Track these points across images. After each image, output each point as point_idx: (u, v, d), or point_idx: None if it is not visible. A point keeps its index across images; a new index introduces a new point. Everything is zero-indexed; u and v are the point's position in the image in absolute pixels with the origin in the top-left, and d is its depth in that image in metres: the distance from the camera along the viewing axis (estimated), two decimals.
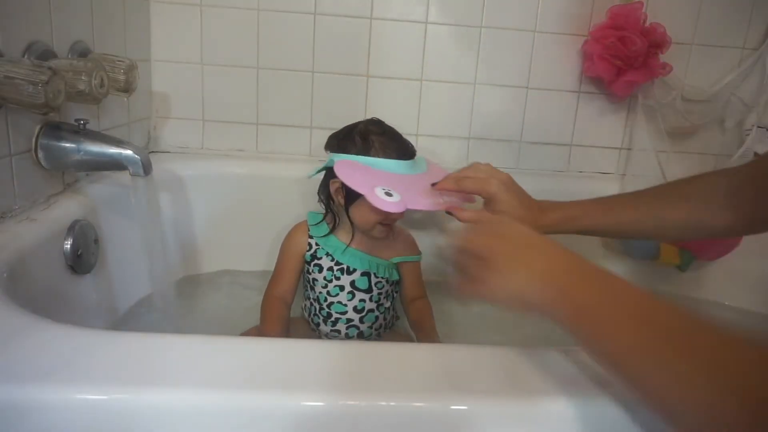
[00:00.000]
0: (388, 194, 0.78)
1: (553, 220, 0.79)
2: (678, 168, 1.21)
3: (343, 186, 0.86)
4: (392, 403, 0.44)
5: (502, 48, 1.16)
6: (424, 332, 0.93)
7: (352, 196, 0.86)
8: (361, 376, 0.47)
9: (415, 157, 0.91)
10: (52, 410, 0.42)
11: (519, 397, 0.46)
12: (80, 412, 0.43)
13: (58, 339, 0.48)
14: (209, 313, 1.02)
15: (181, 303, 1.02)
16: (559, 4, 1.14)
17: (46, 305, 0.67)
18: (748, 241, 1.15)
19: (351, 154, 0.87)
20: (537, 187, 1.18)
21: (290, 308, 0.95)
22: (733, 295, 1.23)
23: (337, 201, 0.90)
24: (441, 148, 1.20)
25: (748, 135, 1.16)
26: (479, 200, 0.83)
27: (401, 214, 0.86)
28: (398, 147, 0.88)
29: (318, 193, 0.94)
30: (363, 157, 0.86)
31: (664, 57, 1.12)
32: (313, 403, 0.44)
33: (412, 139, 1.21)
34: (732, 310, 1.23)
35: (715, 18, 1.16)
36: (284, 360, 0.48)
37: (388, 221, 0.88)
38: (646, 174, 1.16)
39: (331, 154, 0.89)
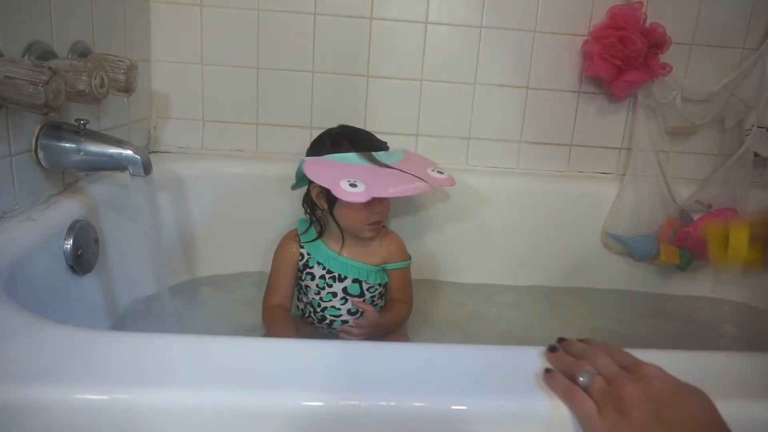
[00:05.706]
0: (353, 185, 0.79)
1: None
2: (678, 168, 1.21)
3: (323, 189, 0.86)
4: (392, 403, 0.44)
5: (502, 48, 1.16)
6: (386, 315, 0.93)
7: (333, 198, 0.86)
8: (361, 376, 0.47)
9: (389, 150, 0.93)
10: (52, 410, 0.42)
11: (519, 397, 0.46)
12: (80, 412, 0.43)
13: (58, 339, 0.48)
14: (209, 313, 1.02)
15: (181, 303, 1.02)
16: (559, 4, 1.14)
17: (46, 305, 0.67)
18: None
19: (322, 155, 0.88)
20: (537, 187, 1.19)
21: (290, 314, 0.95)
22: (732, 291, 1.23)
23: (321, 205, 0.90)
24: (441, 148, 1.20)
25: (748, 135, 1.16)
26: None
27: (386, 208, 0.88)
28: (368, 143, 0.91)
29: (302, 204, 0.95)
30: (332, 154, 0.87)
31: (664, 57, 1.12)
32: (313, 403, 0.44)
33: (411, 140, 1.22)
34: (731, 304, 1.23)
35: (715, 18, 1.16)
36: (284, 360, 0.48)
37: (375, 218, 0.88)
38: (646, 174, 1.16)
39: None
